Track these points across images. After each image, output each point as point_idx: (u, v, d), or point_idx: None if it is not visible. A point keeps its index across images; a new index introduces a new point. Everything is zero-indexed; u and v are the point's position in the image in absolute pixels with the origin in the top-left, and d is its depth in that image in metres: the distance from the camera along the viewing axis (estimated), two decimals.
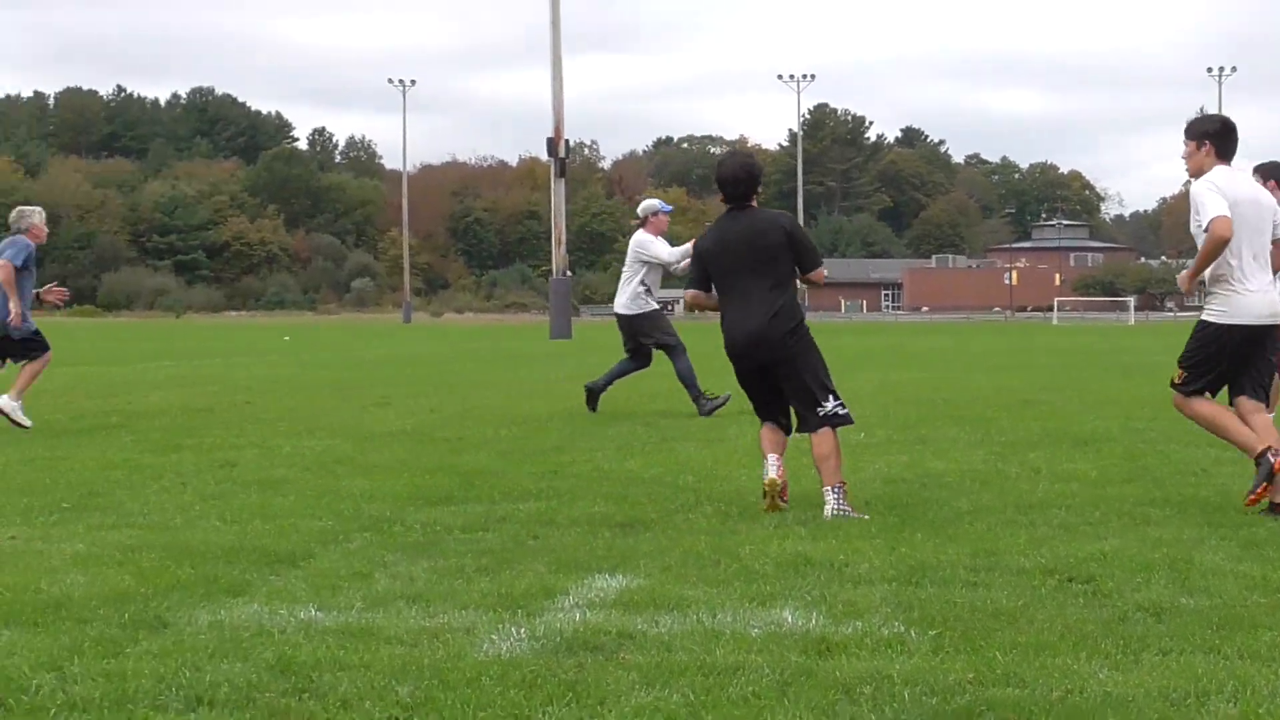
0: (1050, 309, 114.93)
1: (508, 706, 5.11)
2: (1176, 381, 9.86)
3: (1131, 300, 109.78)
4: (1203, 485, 10.80)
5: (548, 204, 75.66)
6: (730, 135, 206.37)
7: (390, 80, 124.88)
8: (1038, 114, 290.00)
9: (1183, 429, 13.46)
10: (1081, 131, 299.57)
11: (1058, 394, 20.85)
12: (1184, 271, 10.02)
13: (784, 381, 9.86)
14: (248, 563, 7.77)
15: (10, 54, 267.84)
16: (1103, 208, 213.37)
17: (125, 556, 7.92)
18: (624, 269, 17.91)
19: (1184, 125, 9.91)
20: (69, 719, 4.99)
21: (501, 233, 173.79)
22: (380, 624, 6.32)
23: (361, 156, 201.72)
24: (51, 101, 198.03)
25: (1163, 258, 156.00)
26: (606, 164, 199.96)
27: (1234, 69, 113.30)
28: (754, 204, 10.06)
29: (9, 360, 16.13)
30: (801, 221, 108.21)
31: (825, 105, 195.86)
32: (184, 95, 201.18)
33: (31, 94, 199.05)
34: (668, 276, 18.06)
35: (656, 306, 17.89)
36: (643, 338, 17.52)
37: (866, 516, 9.32)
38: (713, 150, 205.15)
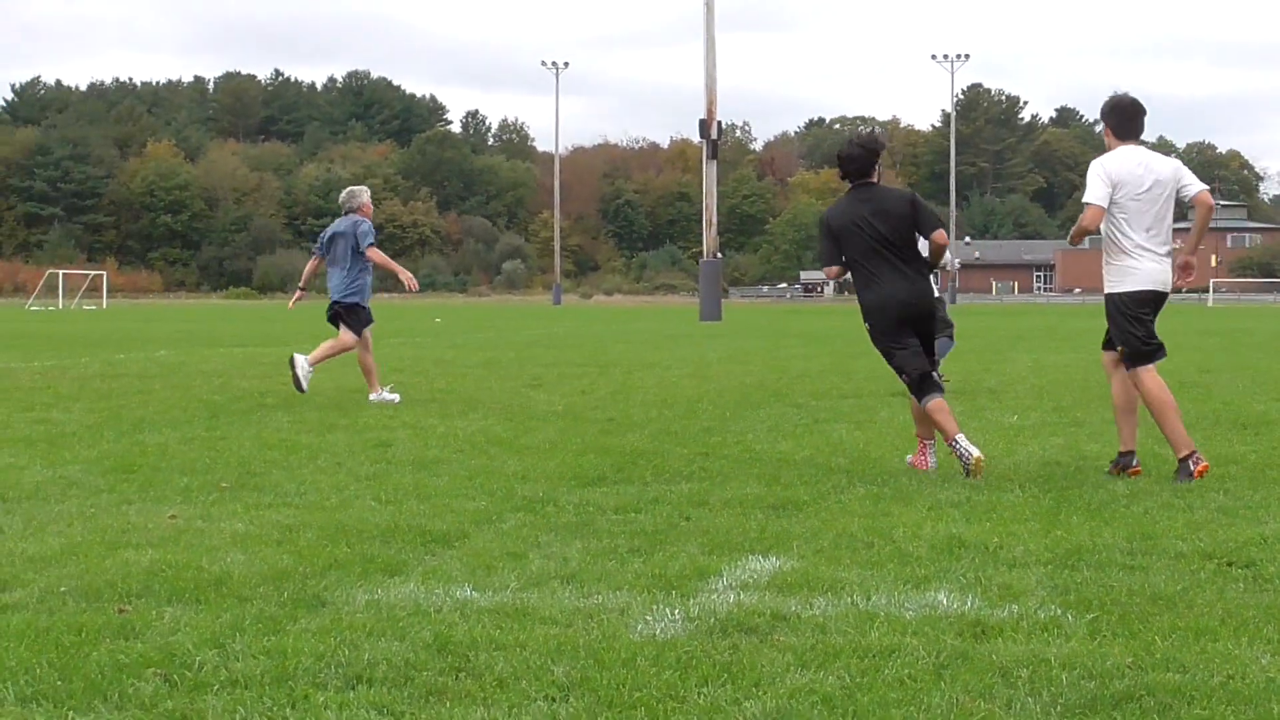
0: (1205, 290, 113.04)
1: (663, 687, 5.12)
2: (1125, 362, 10.57)
3: None
4: None
5: (699, 186, 75.60)
6: (883, 116, 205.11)
7: (543, 62, 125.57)
8: (1195, 92, 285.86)
9: None
10: (1241, 109, 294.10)
11: (1215, 376, 20.52)
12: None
13: (925, 331, 10.80)
14: (403, 542, 7.84)
15: (171, 39, 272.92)
16: (1261, 187, 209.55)
17: (283, 535, 8.03)
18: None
19: None
20: (231, 695, 5.06)
21: (652, 214, 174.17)
22: (535, 604, 6.36)
23: (514, 139, 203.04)
24: (211, 86, 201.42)
25: None
26: (758, 145, 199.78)
27: None
28: (875, 180, 10.92)
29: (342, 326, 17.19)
30: (953, 203, 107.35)
31: (979, 85, 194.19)
32: (340, 79, 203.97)
33: (192, 79, 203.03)
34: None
35: None
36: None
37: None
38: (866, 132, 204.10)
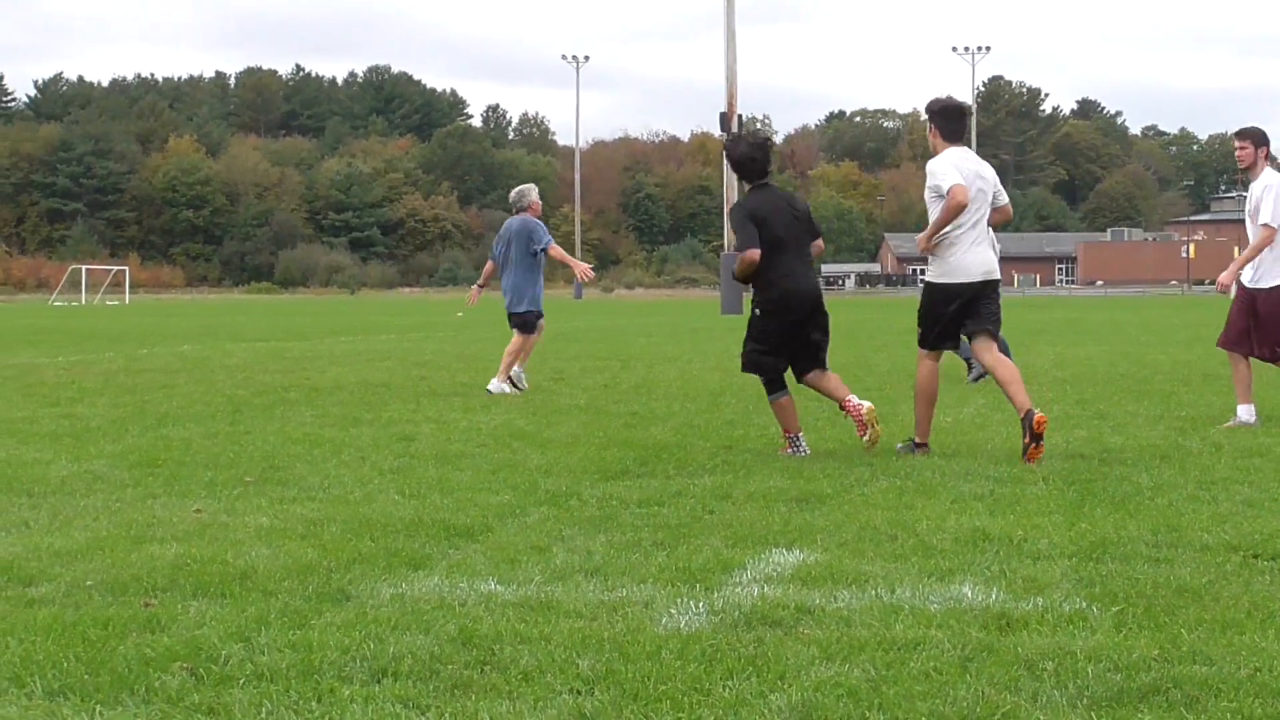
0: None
1: (688, 680, 5.12)
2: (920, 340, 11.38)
3: None
4: None
5: (719, 179, 75.58)
6: (903, 108, 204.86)
7: (564, 56, 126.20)
8: (1218, 84, 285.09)
9: None
10: (1264, 101, 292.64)
11: None
12: (921, 234, 11.43)
13: (820, 328, 11.48)
14: (427, 536, 7.85)
15: (193, 35, 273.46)
16: None
17: (308, 529, 8.05)
18: None
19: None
20: (257, 688, 5.07)
21: (673, 208, 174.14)
22: (559, 597, 6.36)
23: (534, 133, 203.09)
24: (232, 81, 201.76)
25: None
26: (778, 138, 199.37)
27: None
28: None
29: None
30: None
31: (1000, 78, 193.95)
32: (361, 74, 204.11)
33: (213, 74, 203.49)
34: None
35: None
36: None
37: None
38: (886, 125, 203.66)
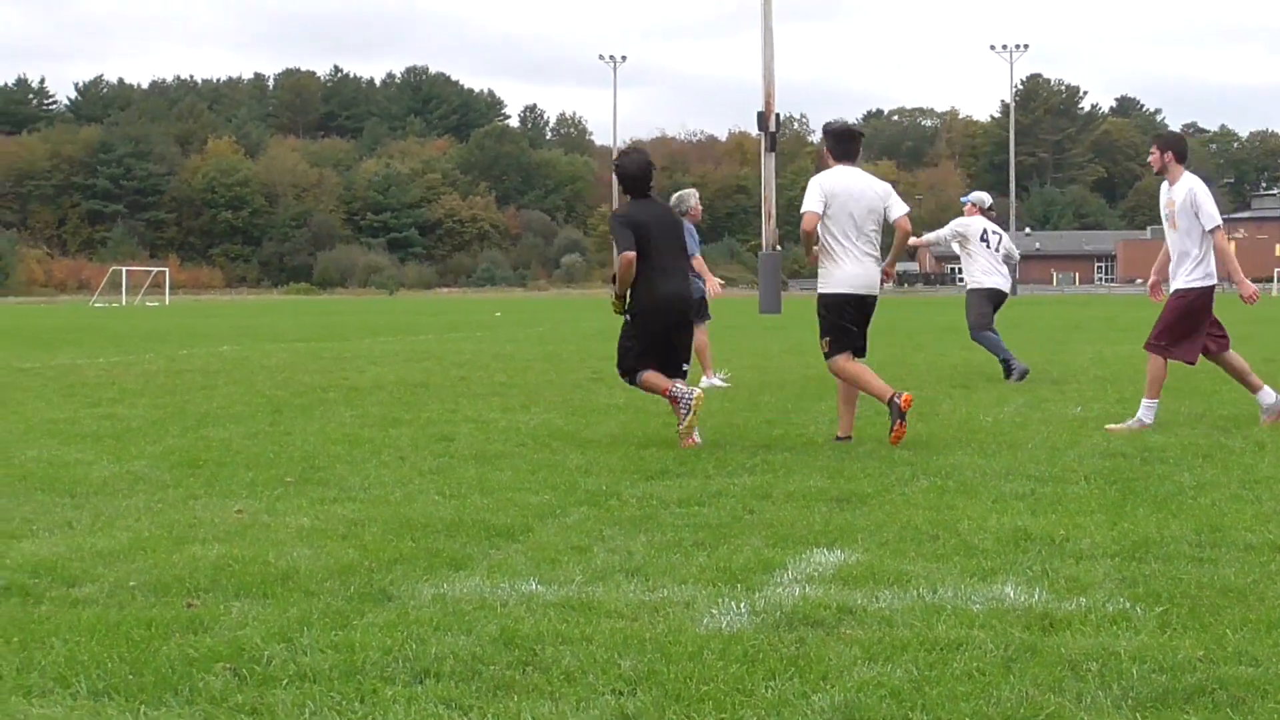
0: (1270, 280, 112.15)
1: (730, 681, 5.12)
2: (826, 354, 12.20)
3: None
4: None
5: (757, 178, 75.46)
6: (941, 107, 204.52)
7: (601, 56, 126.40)
8: (1258, 80, 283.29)
9: None
10: None
11: (1279, 366, 20.34)
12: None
13: (685, 336, 12.33)
14: (468, 536, 7.86)
15: (231, 36, 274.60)
16: None
17: (349, 530, 8.07)
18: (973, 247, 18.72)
19: None
20: (300, 689, 5.08)
21: (710, 207, 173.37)
22: (600, 598, 6.36)
23: (572, 133, 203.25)
24: (271, 83, 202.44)
25: None
26: (816, 137, 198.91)
27: None
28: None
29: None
30: (1012, 193, 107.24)
31: (1038, 75, 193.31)
32: (398, 74, 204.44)
33: (252, 75, 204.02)
34: None
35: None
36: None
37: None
38: (924, 123, 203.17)
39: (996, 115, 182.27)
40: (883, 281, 12.37)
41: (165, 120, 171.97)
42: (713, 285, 18.19)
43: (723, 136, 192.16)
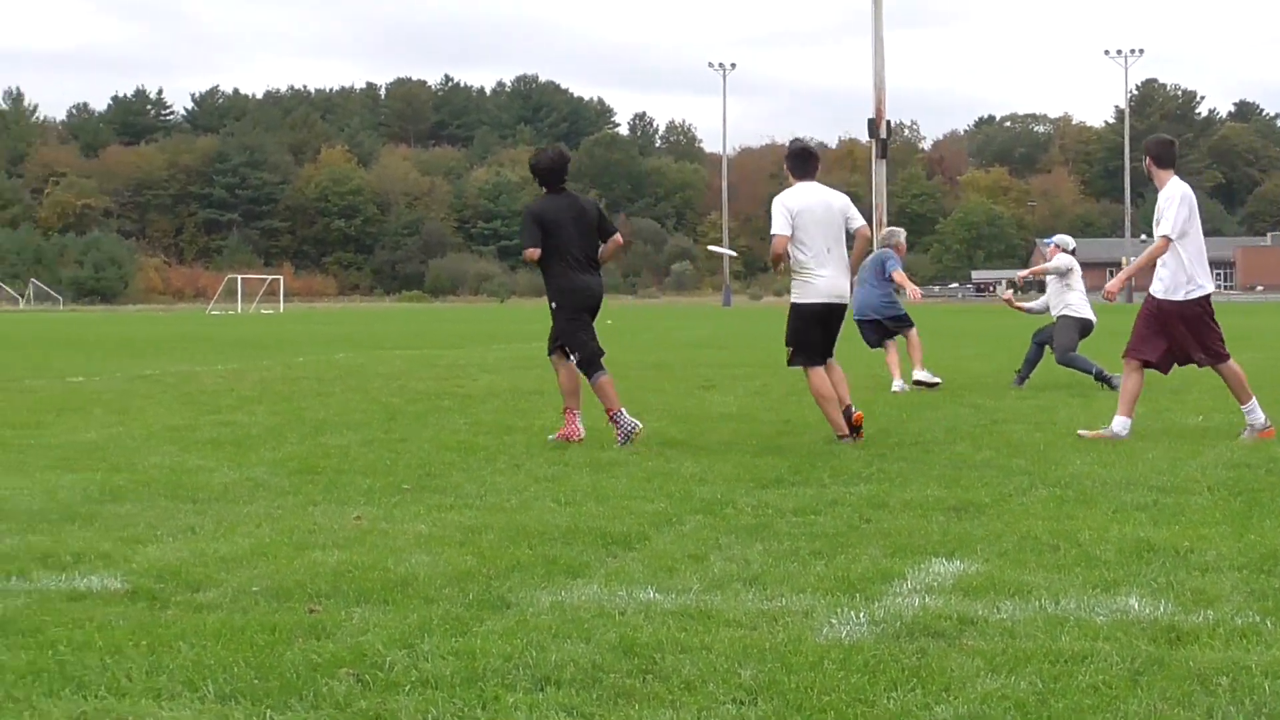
0: None
1: (851, 691, 5.09)
2: (788, 360, 13.13)
3: None
4: None
5: (868, 185, 75.06)
6: (1054, 113, 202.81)
7: (710, 64, 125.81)
8: None
9: None
10: None
11: None
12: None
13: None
14: (584, 544, 7.87)
15: (344, 46, 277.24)
16: None
17: (466, 537, 8.10)
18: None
19: None
20: (423, 695, 5.10)
21: None
22: (719, 606, 6.35)
23: (681, 140, 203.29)
24: (383, 92, 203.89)
25: None
26: (927, 144, 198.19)
27: None
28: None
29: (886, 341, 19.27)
30: (1128, 200, 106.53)
31: (1154, 80, 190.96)
32: (509, 83, 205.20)
33: (364, 85, 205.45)
34: None
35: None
36: None
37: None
38: (1036, 129, 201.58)
39: (1111, 121, 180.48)
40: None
41: (279, 130, 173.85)
42: (913, 292, 19.17)
43: (833, 143, 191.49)
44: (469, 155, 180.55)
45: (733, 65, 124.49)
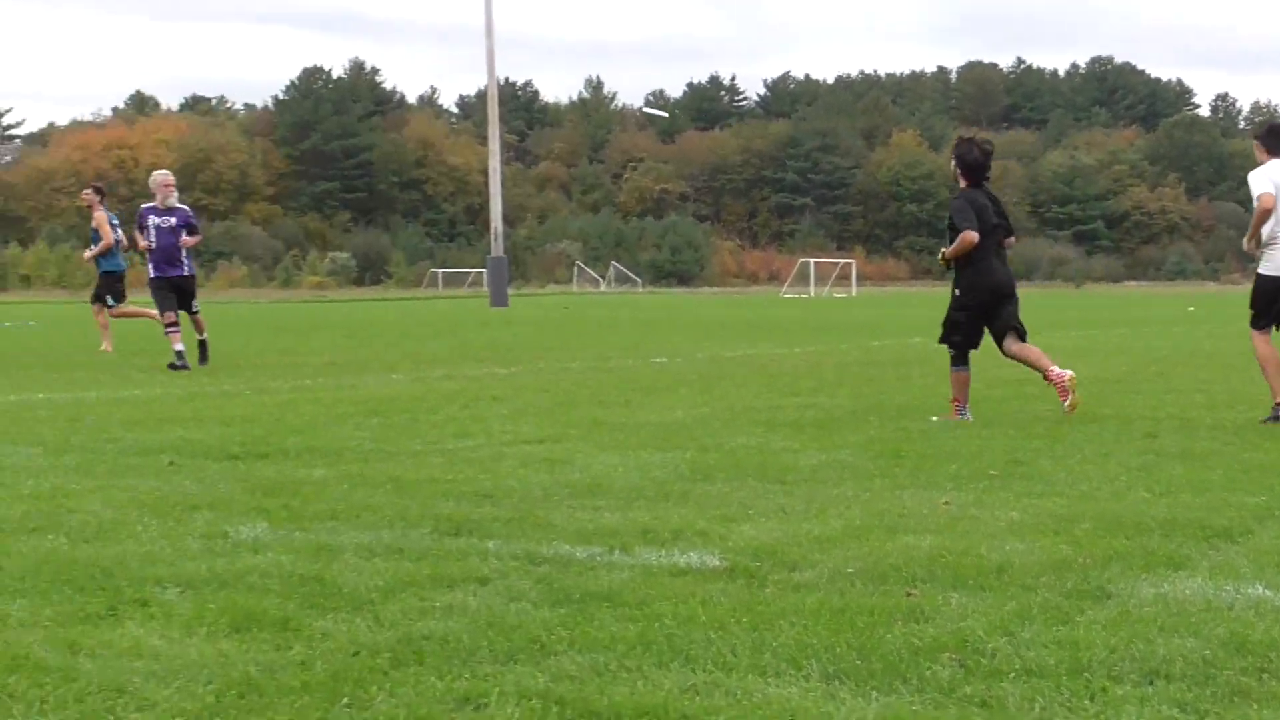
0: None
1: None
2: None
3: None
4: None
5: None
6: None
7: None
8: None
9: None
10: None
11: None
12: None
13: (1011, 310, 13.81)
14: (1183, 536, 7.63)
15: (916, 31, 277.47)
16: None
17: (1058, 525, 7.97)
18: None
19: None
20: (1027, 683, 5.04)
21: None
22: None
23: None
24: (953, 75, 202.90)
25: None
26: None
27: None
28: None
29: None
30: None
31: None
32: (1083, 65, 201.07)
33: (934, 69, 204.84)
34: None
35: None
36: None
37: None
38: None
39: None
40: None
41: (850, 114, 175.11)
42: None
43: None
44: (1043, 138, 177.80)
45: None
